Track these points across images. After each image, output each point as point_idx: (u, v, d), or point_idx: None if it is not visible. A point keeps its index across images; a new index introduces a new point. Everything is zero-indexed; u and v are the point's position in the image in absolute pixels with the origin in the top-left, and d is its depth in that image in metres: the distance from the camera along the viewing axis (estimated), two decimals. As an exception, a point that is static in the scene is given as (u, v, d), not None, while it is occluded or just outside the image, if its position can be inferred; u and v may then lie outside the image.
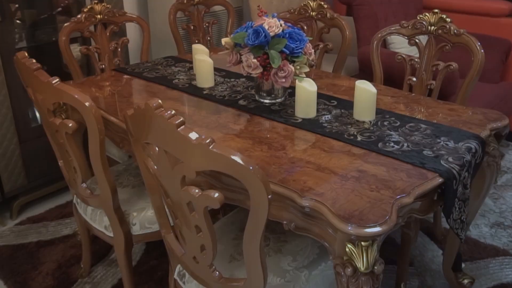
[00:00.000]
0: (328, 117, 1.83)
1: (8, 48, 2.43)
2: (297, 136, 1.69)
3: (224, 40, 1.88)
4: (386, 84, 2.28)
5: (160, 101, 1.27)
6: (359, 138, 1.66)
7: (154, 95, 2.08)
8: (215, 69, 2.33)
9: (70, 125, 1.70)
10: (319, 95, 2.02)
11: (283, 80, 1.80)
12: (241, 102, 1.97)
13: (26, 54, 1.71)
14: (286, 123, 1.79)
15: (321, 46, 2.54)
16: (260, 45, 1.79)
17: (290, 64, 1.80)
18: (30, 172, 2.64)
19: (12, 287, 2.21)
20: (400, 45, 2.88)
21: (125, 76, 2.31)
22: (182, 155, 1.25)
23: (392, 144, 1.62)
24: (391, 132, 1.71)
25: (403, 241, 2.09)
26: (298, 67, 1.83)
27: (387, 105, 1.95)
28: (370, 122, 1.79)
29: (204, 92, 2.08)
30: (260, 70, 1.81)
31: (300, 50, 1.80)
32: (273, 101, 1.96)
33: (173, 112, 1.24)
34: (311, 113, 1.83)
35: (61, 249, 2.43)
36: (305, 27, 2.59)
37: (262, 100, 1.97)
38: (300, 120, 1.81)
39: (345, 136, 1.68)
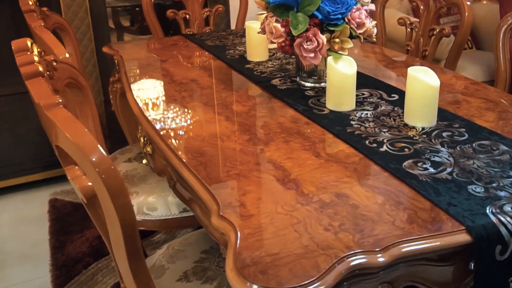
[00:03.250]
0: (367, 114, 1.23)
1: (98, 4, 2.27)
2: (301, 132, 1.15)
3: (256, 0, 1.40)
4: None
5: (29, 42, 0.88)
6: (383, 149, 1.05)
7: (191, 62, 1.70)
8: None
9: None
10: (382, 86, 1.41)
11: (311, 54, 1.26)
12: (275, 81, 1.47)
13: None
14: (304, 113, 1.25)
15: (436, 30, 1.85)
16: (286, 5, 1.27)
17: (323, 34, 1.25)
18: (113, 137, 2.49)
19: (53, 244, 2.07)
20: None
21: (187, 43, 1.96)
22: (41, 119, 0.86)
23: (427, 165, 0.98)
24: (442, 149, 1.05)
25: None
26: (337, 40, 1.26)
27: (471, 110, 1.25)
28: (423, 129, 1.14)
29: (246, 66, 1.62)
30: (283, 38, 1.29)
31: (338, 15, 1.23)
32: (315, 84, 1.41)
33: (35, 59, 0.84)
34: (346, 104, 1.25)
35: (113, 217, 2.23)
36: (422, 7, 1.92)
37: (302, 83, 1.44)
38: (325, 112, 1.24)
39: (366, 142, 1.08)
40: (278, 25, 1.28)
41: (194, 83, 1.49)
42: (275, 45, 1.35)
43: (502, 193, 0.88)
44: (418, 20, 1.94)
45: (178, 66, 1.66)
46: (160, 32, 2.19)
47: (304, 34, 1.24)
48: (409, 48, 1.96)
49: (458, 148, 1.05)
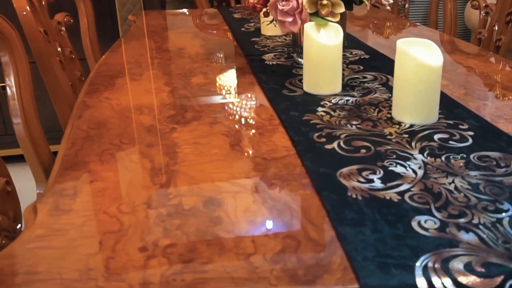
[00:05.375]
0: (347, 101, 0.87)
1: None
2: (242, 114, 0.83)
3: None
4: None
5: None
6: (331, 146, 0.70)
7: (198, 32, 1.43)
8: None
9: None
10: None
11: (289, 19, 0.92)
12: (268, 56, 1.15)
13: None
14: (267, 93, 0.92)
15: (516, 14, 1.37)
16: (264, -47, 0.95)
17: (307, -9, 0.91)
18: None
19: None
20: None
21: (216, 15, 1.70)
22: None
23: (376, 176, 0.62)
24: (417, 155, 0.67)
25: None
26: (325, 1, 0.91)
27: (502, 109, 0.82)
28: (411, 126, 0.76)
29: (252, 39, 1.31)
30: (259, -3, 0.97)
31: (325, -34, 0.88)
32: (311, 63, 1.07)
33: None
34: (325, 86, 0.90)
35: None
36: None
37: (298, 60, 1.10)
38: (295, 94, 0.91)
39: (313, 136, 0.74)
40: (255, -20, 0.97)
41: (179, 51, 1.23)
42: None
43: (467, 236, 0.50)
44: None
45: (180, 35, 1.41)
46: (205, 5, 1.95)
47: (279, -10, 0.92)
48: (481, 36, 1.49)
49: (443, 158, 0.66)
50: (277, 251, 0.49)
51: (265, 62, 1.10)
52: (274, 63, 1.10)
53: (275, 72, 1.03)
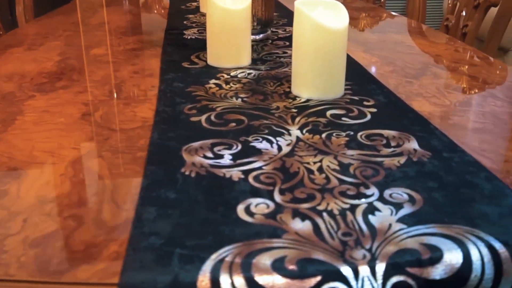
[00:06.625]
0: (250, 74, 0.75)
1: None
2: (120, 84, 0.72)
3: None
4: None
5: None
6: (198, 118, 0.59)
7: (135, 9, 1.32)
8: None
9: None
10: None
11: (194, -20, 0.81)
12: (191, 31, 1.03)
13: None
14: (163, 65, 0.81)
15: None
16: None
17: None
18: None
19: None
20: None
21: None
22: None
23: (230, 151, 0.50)
24: (294, 131, 0.55)
25: None
26: (234, -40, 0.80)
27: (426, 88, 0.70)
28: (307, 101, 0.65)
29: (186, 16, 1.20)
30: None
31: None
32: (234, 38, 0.96)
33: None
34: (229, 58, 0.79)
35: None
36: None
37: (222, 35, 0.99)
38: (195, 67, 0.79)
39: (183, 108, 0.62)
40: None
41: (100, 25, 1.12)
42: None
43: (300, 225, 0.38)
44: (465, -15, 1.34)
45: (114, 12, 1.30)
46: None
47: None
48: (448, 23, 1.37)
49: (323, 136, 0.55)
50: (45, 234, 0.38)
51: (184, 37, 0.99)
52: (193, 37, 0.99)
53: (188, 46, 0.92)
